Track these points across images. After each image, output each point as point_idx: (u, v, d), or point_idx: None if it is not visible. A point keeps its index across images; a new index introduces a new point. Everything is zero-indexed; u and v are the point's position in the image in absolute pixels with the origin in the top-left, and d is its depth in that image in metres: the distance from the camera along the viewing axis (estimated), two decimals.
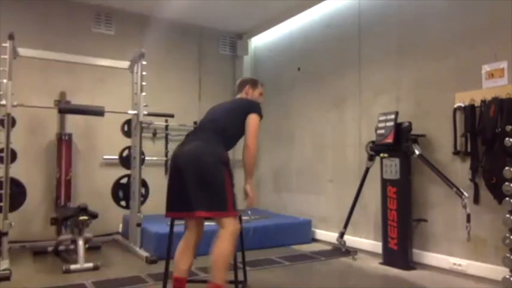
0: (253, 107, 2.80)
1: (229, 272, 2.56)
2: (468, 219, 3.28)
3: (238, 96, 3.03)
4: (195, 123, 5.95)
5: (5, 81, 3.72)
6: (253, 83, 3.08)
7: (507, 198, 2.90)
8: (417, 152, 3.69)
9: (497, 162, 3.08)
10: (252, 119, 2.72)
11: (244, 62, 6.40)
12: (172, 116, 5.35)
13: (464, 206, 3.30)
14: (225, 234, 2.50)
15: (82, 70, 4.99)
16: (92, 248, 4.31)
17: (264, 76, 5.89)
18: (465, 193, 3.34)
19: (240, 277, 3.00)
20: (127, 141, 4.82)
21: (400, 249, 3.78)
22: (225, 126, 2.72)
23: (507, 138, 2.92)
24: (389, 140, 3.83)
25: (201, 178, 2.51)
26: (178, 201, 2.57)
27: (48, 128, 4.97)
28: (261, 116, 2.78)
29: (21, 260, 4.02)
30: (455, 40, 3.65)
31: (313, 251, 4.48)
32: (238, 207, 2.64)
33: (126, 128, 4.83)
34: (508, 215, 2.90)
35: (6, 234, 3.66)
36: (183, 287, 2.59)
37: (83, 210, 3.91)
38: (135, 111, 4.41)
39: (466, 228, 3.28)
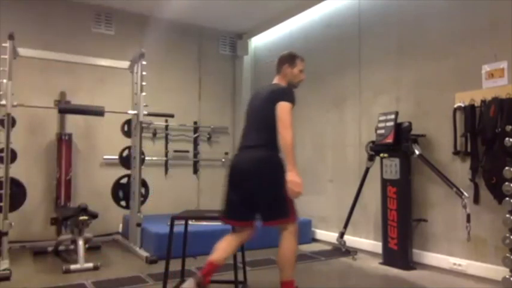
0: (281, 95, 2.63)
1: (295, 269, 2.66)
2: (468, 219, 3.29)
3: (276, 79, 2.86)
4: (195, 123, 5.97)
5: (5, 81, 3.73)
6: (291, 60, 2.83)
7: (507, 198, 2.90)
8: (417, 152, 3.69)
9: (497, 162, 3.08)
10: (280, 108, 2.56)
11: (244, 62, 6.39)
12: (172, 116, 5.35)
13: (464, 206, 3.31)
14: (288, 235, 2.59)
15: (82, 70, 4.99)
16: (92, 248, 4.31)
17: (264, 76, 5.88)
18: (465, 193, 3.34)
19: (240, 277, 3.01)
20: (127, 141, 4.82)
21: (400, 249, 3.78)
22: (266, 129, 2.63)
23: (507, 138, 2.92)
24: (389, 140, 3.83)
25: (262, 189, 2.55)
26: (239, 211, 2.61)
27: (48, 128, 4.97)
28: (292, 103, 2.60)
29: (21, 260, 4.02)
30: (455, 40, 3.65)
31: (313, 251, 4.48)
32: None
33: (126, 128, 4.84)
34: (508, 215, 2.90)
35: (6, 234, 3.66)
36: (212, 273, 2.50)
37: (83, 210, 3.91)
38: (135, 111, 4.42)
39: (466, 228, 3.29)
